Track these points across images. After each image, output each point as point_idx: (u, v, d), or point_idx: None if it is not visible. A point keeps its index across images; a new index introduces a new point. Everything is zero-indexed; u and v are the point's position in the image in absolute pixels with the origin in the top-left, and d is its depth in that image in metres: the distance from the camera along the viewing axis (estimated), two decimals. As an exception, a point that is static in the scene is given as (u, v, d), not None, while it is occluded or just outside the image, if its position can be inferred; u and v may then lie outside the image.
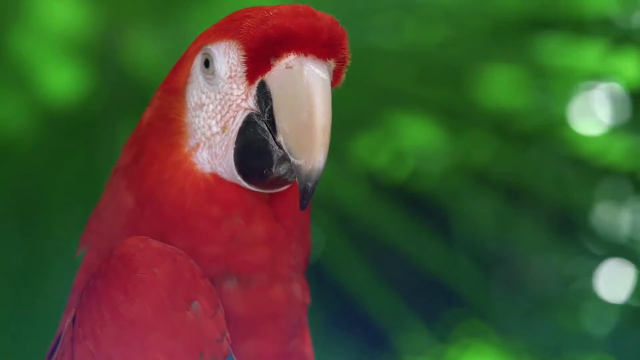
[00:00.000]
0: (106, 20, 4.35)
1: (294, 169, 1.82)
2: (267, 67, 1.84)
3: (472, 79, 4.45)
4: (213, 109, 1.90)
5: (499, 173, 4.63)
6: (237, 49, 1.86)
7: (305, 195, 1.82)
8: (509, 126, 4.43)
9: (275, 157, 1.84)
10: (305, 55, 1.82)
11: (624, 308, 4.68)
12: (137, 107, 4.29)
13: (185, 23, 4.32)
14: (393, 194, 4.68)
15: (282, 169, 1.84)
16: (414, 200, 4.70)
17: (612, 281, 4.71)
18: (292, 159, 1.82)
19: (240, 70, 1.87)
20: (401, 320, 4.69)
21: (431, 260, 4.64)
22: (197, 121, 1.91)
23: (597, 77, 4.52)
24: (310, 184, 1.80)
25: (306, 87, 1.81)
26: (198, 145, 1.90)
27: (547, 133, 4.46)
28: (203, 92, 1.91)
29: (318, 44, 1.83)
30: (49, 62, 4.34)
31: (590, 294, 4.70)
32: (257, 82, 1.85)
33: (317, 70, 1.82)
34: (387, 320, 4.69)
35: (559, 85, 4.53)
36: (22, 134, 4.37)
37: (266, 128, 1.85)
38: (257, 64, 1.85)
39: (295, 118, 1.81)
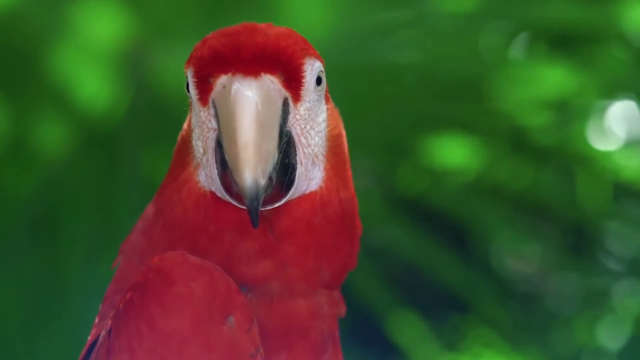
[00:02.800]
0: (139, 35, 4.37)
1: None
2: (209, 87, 1.88)
3: (489, 95, 4.46)
4: (199, 132, 1.95)
5: (515, 188, 4.64)
6: (191, 72, 1.91)
7: (249, 214, 1.82)
8: (526, 142, 4.44)
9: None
10: (233, 74, 1.85)
11: (637, 322, 4.68)
12: (160, 122, 4.32)
13: None
14: (410, 209, 4.69)
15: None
16: (430, 215, 4.71)
17: (626, 296, 4.72)
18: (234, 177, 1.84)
19: (197, 93, 1.91)
20: (416, 332, 4.70)
21: (447, 273, 4.64)
22: (193, 143, 1.97)
23: (614, 94, 4.53)
24: (248, 202, 1.81)
25: (232, 105, 1.82)
26: (198, 165, 1.96)
27: (564, 149, 4.46)
28: (193, 116, 1.97)
29: (242, 61, 1.84)
30: (85, 77, 4.35)
31: (604, 309, 4.71)
32: (210, 103, 1.89)
33: (243, 88, 1.83)
34: (401, 332, 4.70)
35: (576, 102, 4.54)
36: (55, 146, 4.38)
37: None
38: (202, 86, 1.89)
39: (227, 137, 1.84)
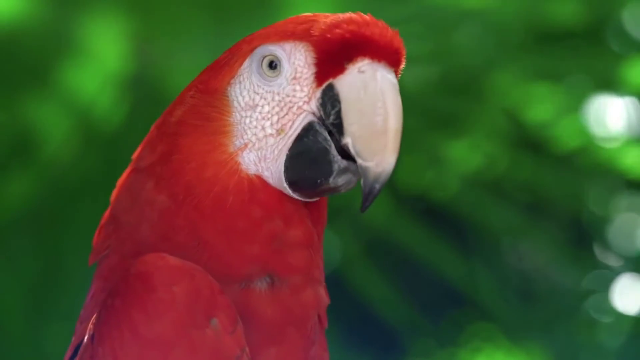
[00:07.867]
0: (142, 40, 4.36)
1: (360, 172, 1.85)
2: (339, 70, 1.87)
3: (488, 89, 4.45)
4: (269, 111, 1.91)
5: (516, 184, 4.63)
6: (306, 50, 1.89)
7: (370, 197, 1.86)
8: (527, 137, 4.43)
9: (335, 168, 1.87)
10: (379, 61, 1.86)
11: (638, 320, 4.67)
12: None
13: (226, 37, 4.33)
14: (411, 204, 4.68)
15: (340, 180, 1.87)
16: (432, 211, 4.70)
17: (627, 293, 4.70)
18: (360, 161, 1.84)
19: (308, 72, 1.89)
20: (416, 326, 4.69)
21: (448, 269, 4.64)
22: (247, 121, 1.91)
23: (613, 88, 4.52)
24: (377, 186, 1.84)
25: (380, 91, 1.85)
26: (246, 145, 1.90)
27: (565, 144, 4.45)
28: (257, 93, 1.91)
29: (390, 51, 1.88)
30: (86, 80, 4.35)
31: (604, 305, 4.70)
32: (324, 85, 1.88)
33: (389, 76, 1.87)
34: (402, 327, 4.69)
35: (576, 96, 4.52)
36: (60, 145, 4.38)
37: (328, 137, 1.88)
38: (328, 66, 1.88)
39: (368, 121, 1.85)
